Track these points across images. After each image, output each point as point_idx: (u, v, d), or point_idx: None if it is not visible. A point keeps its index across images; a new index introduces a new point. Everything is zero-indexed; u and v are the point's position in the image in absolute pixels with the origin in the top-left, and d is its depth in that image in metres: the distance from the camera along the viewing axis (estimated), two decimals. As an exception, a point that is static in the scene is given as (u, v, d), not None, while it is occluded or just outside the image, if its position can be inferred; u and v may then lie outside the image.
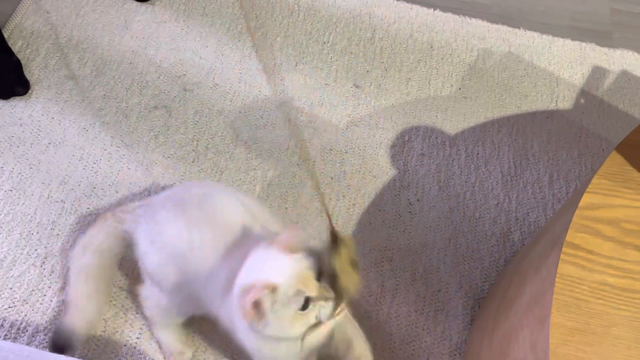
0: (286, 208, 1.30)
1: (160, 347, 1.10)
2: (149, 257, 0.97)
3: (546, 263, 0.81)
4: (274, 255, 0.81)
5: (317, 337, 0.83)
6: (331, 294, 0.79)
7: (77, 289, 1.05)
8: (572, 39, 1.67)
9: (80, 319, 1.03)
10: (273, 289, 0.77)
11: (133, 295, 1.16)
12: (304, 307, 0.78)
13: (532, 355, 0.74)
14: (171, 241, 0.94)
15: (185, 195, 0.99)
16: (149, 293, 1.05)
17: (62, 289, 1.16)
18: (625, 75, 1.61)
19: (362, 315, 1.18)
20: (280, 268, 0.79)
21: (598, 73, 1.61)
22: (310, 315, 0.79)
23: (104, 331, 1.12)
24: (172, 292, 0.99)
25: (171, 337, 1.08)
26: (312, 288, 0.78)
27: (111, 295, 1.16)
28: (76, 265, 1.05)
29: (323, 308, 0.80)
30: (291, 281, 0.78)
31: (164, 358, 1.10)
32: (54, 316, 1.13)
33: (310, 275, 0.79)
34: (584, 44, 1.66)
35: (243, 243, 0.88)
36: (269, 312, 0.77)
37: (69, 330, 1.02)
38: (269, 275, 0.79)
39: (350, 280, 0.80)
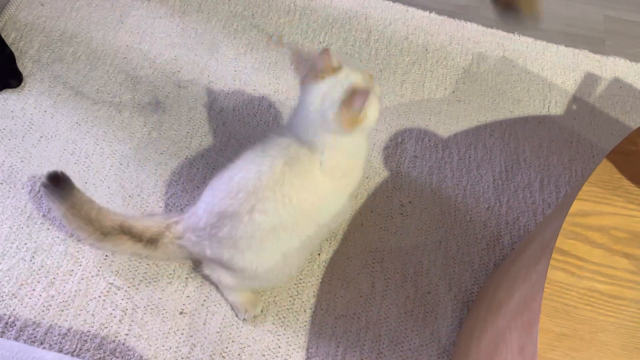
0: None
1: (232, 305, 1.17)
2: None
3: (536, 268, 0.82)
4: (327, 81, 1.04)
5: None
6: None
7: None
8: (566, 45, 1.68)
9: None
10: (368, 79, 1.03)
11: (123, 291, 1.16)
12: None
13: (519, 359, 0.74)
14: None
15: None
16: (216, 275, 1.12)
17: (52, 283, 1.15)
18: (617, 82, 1.62)
19: (352, 316, 1.18)
20: (344, 79, 1.02)
21: (590, 80, 1.62)
22: (376, 92, 1.04)
23: (92, 327, 1.12)
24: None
25: (243, 296, 1.16)
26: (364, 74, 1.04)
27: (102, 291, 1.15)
28: None
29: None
30: (358, 75, 1.02)
31: (237, 312, 1.17)
32: (43, 311, 1.12)
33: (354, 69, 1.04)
34: (577, 51, 1.67)
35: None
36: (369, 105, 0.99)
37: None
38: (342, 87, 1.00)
39: None
